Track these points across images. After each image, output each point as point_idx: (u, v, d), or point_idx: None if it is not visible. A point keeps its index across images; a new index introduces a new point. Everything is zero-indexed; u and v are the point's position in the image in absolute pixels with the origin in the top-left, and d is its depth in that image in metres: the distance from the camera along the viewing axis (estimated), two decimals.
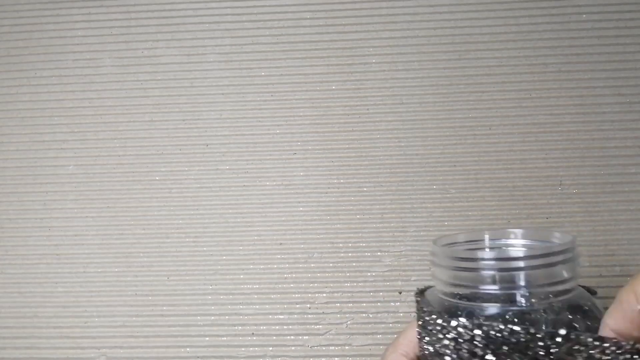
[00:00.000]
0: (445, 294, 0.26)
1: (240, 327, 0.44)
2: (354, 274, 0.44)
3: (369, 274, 0.44)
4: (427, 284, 0.46)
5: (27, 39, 0.48)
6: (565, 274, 0.24)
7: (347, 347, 0.43)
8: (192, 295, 0.45)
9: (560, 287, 0.23)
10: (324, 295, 0.44)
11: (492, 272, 0.23)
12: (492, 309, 0.23)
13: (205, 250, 0.45)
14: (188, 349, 0.44)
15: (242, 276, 0.45)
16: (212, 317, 0.44)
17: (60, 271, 0.45)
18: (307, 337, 0.44)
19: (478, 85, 0.45)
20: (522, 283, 0.23)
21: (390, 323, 0.44)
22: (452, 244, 0.29)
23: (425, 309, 0.25)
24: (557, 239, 0.26)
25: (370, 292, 0.44)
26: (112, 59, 0.48)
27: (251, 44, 0.47)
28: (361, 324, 0.44)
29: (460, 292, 0.24)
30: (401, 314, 0.44)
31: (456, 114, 0.45)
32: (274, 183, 0.45)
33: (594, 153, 0.44)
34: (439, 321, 0.23)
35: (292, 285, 0.44)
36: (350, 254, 0.44)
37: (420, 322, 0.26)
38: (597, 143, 0.44)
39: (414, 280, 0.44)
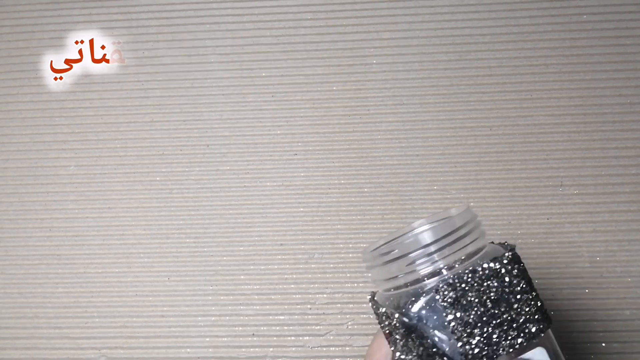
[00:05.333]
0: (386, 290, 0.29)
1: (240, 328, 0.44)
2: (355, 275, 0.44)
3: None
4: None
5: (28, 40, 0.48)
6: (469, 240, 0.26)
7: (347, 348, 0.43)
8: (193, 295, 0.44)
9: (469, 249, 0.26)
10: (325, 296, 0.44)
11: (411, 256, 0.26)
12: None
13: (205, 250, 0.45)
14: (188, 350, 0.44)
15: (242, 277, 0.45)
16: (213, 318, 0.44)
17: (61, 271, 0.45)
18: (307, 338, 0.44)
19: (479, 86, 0.45)
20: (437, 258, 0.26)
21: None
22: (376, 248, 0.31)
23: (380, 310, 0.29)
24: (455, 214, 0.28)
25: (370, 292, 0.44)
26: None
27: (252, 45, 0.47)
28: (362, 324, 0.44)
29: (394, 284, 0.28)
30: None
31: (457, 114, 0.45)
32: (275, 184, 0.45)
33: (595, 154, 0.44)
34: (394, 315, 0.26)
35: (292, 285, 0.44)
36: (350, 255, 0.44)
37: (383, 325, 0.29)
38: (598, 144, 0.44)
39: None
